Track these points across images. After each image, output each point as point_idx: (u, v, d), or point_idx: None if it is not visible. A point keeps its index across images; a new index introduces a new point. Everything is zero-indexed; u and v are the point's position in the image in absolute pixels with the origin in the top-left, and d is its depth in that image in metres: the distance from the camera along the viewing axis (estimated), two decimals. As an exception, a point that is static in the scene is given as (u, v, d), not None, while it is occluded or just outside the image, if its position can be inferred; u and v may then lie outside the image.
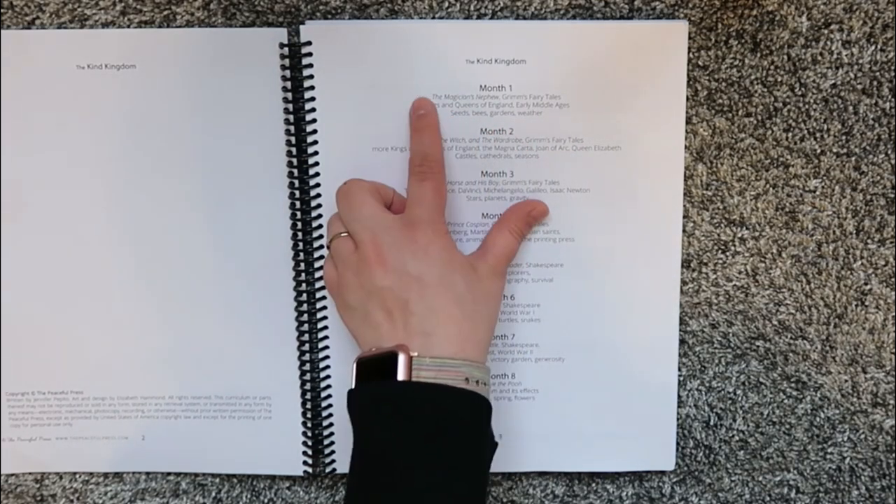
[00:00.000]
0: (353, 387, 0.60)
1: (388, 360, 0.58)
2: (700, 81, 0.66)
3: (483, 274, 0.64)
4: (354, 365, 0.60)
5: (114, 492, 0.73)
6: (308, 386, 0.70)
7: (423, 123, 0.64)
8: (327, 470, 0.71)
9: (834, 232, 0.68)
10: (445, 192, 0.64)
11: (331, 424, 0.71)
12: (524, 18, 0.65)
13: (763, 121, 0.66)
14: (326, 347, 0.69)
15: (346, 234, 0.64)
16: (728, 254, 0.68)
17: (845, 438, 0.71)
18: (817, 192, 0.67)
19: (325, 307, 0.69)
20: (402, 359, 0.58)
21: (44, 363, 0.70)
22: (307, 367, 0.70)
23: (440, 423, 0.58)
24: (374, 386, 0.59)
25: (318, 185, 0.67)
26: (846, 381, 0.70)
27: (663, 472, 0.72)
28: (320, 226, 0.67)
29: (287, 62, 0.65)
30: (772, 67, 0.66)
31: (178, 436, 0.71)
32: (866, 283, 0.68)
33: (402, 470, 0.56)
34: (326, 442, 0.71)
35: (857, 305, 0.69)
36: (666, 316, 0.69)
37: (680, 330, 0.69)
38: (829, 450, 0.71)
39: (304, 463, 0.71)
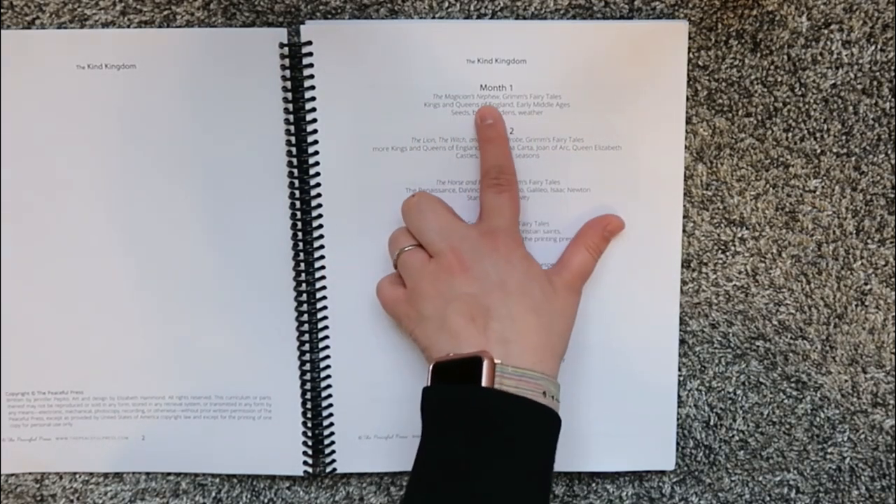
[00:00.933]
0: (430, 386, 0.59)
1: (469, 365, 0.58)
2: (700, 81, 0.66)
3: (559, 288, 0.64)
4: (430, 368, 0.60)
5: (114, 492, 0.73)
6: (308, 386, 0.70)
7: (492, 134, 0.64)
8: (327, 470, 0.71)
9: (834, 232, 0.68)
10: (520, 204, 0.65)
11: (331, 424, 0.71)
12: (524, 18, 0.65)
13: (763, 121, 0.66)
14: (326, 347, 0.69)
15: (412, 247, 0.64)
16: (728, 254, 0.68)
17: (845, 438, 0.71)
18: (817, 192, 0.67)
19: (325, 307, 0.69)
20: (486, 364, 0.57)
21: (44, 363, 0.70)
22: (307, 367, 0.70)
23: (519, 436, 0.57)
24: (458, 388, 0.58)
25: (318, 185, 0.67)
26: (846, 381, 0.70)
27: (663, 472, 0.72)
28: (320, 226, 0.67)
29: (287, 62, 0.65)
30: (772, 67, 0.66)
31: (178, 436, 0.71)
32: (866, 283, 0.68)
33: (475, 477, 0.56)
34: (326, 442, 0.71)
35: (857, 305, 0.69)
36: (666, 316, 0.69)
37: (680, 330, 0.69)
38: (829, 450, 0.71)
39: (304, 463, 0.71)
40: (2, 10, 0.65)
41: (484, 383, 0.57)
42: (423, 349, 0.63)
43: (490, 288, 0.60)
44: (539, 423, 0.58)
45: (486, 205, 0.64)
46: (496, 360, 0.57)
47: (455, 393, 0.58)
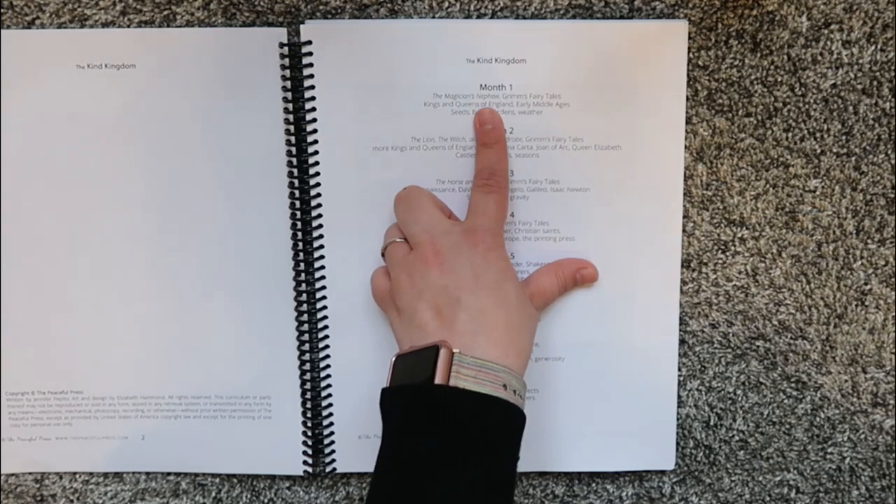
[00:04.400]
0: (387, 385, 0.59)
1: (427, 355, 0.57)
2: (700, 81, 0.66)
3: (526, 295, 0.64)
4: (392, 362, 0.60)
5: (114, 492, 0.73)
6: (308, 386, 0.70)
7: (491, 138, 0.65)
8: (327, 470, 0.71)
9: (834, 232, 0.68)
10: (507, 207, 0.65)
11: (331, 424, 0.71)
12: (524, 18, 0.65)
13: (763, 121, 0.66)
14: (326, 347, 0.69)
15: (400, 240, 0.64)
16: (728, 254, 0.68)
17: (845, 438, 0.71)
18: (817, 192, 0.67)
19: (325, 307, 0.69)
20: (442, 354, 0.56)
21: (44, 363, 0.70)
22: (307, 367, 0.70)
23: (476, 433, 0.56)
24: (410, 388, 0.57)
25: (318, 185, 0.67)
26: (846, 381, 0.70)
27: (663, 472, 0.72)
28: (320, 226, 0.67)
29: (287, 62, 0.65)
30: (772, 67, 0.66)
31: (178, 436, 0.71)
32: (866, 283, 0.68)
33: (432, 478, 0.55)
34: (326, 442, 0.71)
35: (857, 305, 0.69)
36: (666, 316, 0.69)
37: (680, 330, 0.69)
38: (829, 450, 0.71)
39: (304, 463, 0.71)
40: (2, 10, 0.65)
41: (438, 376, 0.56)
42: (397, 342, 0.63)
43: (463, 281, 0.60)
44: (497, 418, 0.57)
45: (473, 203, 0.64)
46: (454, 350, 0.57)
47: (407, 392, 0.58)
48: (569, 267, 0.67)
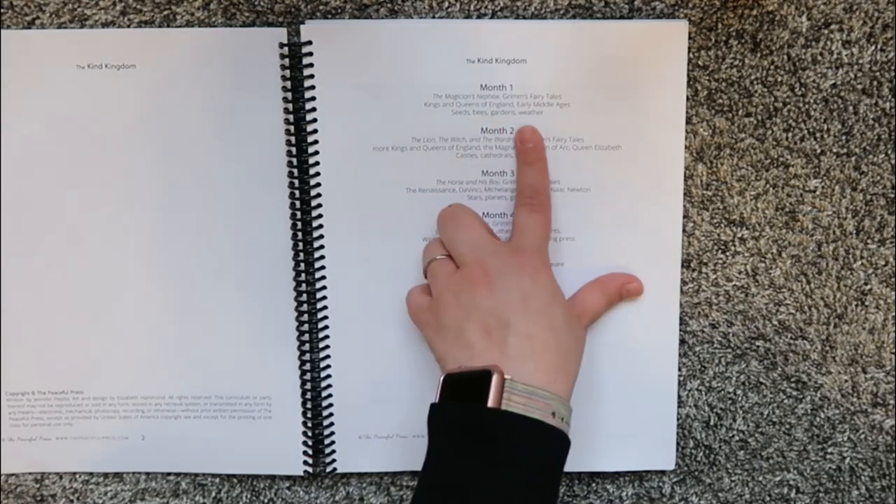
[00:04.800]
0: (437, 402, 0.59)
1: (479, 379, 0.57)
2: (700, 81, 0.66)
3: (573, 316, 0.64)
4: (441, 381, 0.59)
5: (114, 492, 0.73)
6: (308, 386, 0.70)
7: (532, 157, 0.65)
8: (327, 470, 0.71)
9: (834, 232, 0.68)
10: (551, 225, 0.65)
11: (331, 424, 0.71)
12: (524, 18, 0.65)
13: (763, 121, 0.66)
14: (327, 347, 0.69)
15: (443, 257, 0.64)
16: (728, 254, 0.68)
17: (845, 438, 0.71)
18: (817, 192, 0.67)
19: (325, 307, 0.69)
20: (495, 380, 0.56)
21: (44, 363, 0.70)
22: (307, 367, 0.70)
23: (524, 457, 0.56)
24: (462, 407, 0.57)
25: (318, 185, 0.67)
26: (846, 381, 0.70)
27: (663, 472, 0.72)
28: (321, 226, 0.67)
29: (287, 62, 0.65)
30: (772, 67, 0.66)
31: (178, 436, 0.71)
32: (866, 283, 0.68)
33: (478, 498, 0.55)
34: (326, 442, 0.71)
35: (857, 305, 0.69)
36: (666, 316, 0.69)
37: (680, 330, 0.69)
38: (829, 450, 0.71)
39: (304, 463, 0.71)
40: (2, 10, 0.65)
41: (491, 400, 0.56)
42: (438, 359, 0.63)
43: (512, 303, 0.60)
44: (545, 445, 0.57)
45: (517, 223, 0.64)
46: (506, 376, 0.56)
47: (460, 411, 0.58)
48: (614, 282, 0.67)
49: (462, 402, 0.57)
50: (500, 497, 0.55)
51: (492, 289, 0.60)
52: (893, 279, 0.68)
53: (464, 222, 0.65)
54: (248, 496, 0.73)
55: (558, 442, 0.58)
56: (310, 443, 0.71)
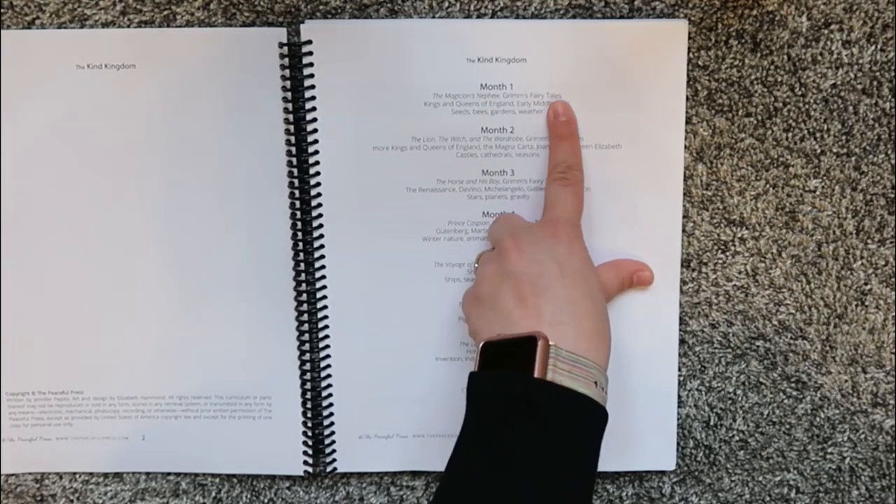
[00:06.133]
0: (478, 371, 0.57)
1: (520, 346, 0.55)
2: (700, 81, 0.66)
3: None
4: (479, 348, 0.58)
5: (114, 492, 0.73)
6: (308, 386, 0.70)
7: (565, 131, 0.65)
8: (327, 470, 0.71)
9: (834, 232, 0.68)
10: (583, 200, 0.65)
11: (331, 424, 0.71)
12: (524, 18, 0.65)
13: (763, 121, 0.66)
14: (327, 347, 0.69)
15: (488, 250, 0.65)
16: (728, 254, 0.68)
17: (845, 438, 0.71)
18: (817, 192, 0.67)
19: (325, 307, 0.69)
20: (541, 346, 0.54)
21: (44, 363, 0.70)
22: (307, 367, 0.70)
23: (568, 432, 0.55)
24: (509, 377, 0.56)
25: (318, 184, 0.67)
26: (846, 381, 0.70)
27: (663, 472, 0.72)
28: (321, 226, 0.67)
29: (287, 62, 0.65)
30: (772, 67, 0.66)
31: (178, 436, 0.71)
32: (866, 283, 0.68)
33: (521, 470, 0.54)
34: (326, 442, 0.71)
35: (857, 305, 0.69)
36: (666, 316, 0.69)
37: (680, 330, 0.69)
38: (829, 450, 0.71)
39: (305, 463, 0.71)
40: (2, 10, 0.65)
41: (537, 367, 0.54)
42: (473, 333, 0.62)
43: (546, 270, 0.59)
44: (588, 420, 0.56)
45: (550, 197, 0.65)
46: (550, 342, 0.55)
47: (505, 382, 0.56)
48: (627, 267, 0.67)
49: (506, 372, 0.56)
50: (543, 470, 0.54)
51: (523, 255, 0.60)
52: (893, 279, 0.68)
53: (504, 217, 0.66)
54: (248, 496, 0.73)
55: (600, 417, 0.57)
56: (310, 443, 0.71)
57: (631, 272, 0.67)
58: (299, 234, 0.68)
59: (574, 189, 0.64)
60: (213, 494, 0.73)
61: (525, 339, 0.55)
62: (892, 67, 0.65)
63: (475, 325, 0.61)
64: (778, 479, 0.72)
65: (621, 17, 0.65)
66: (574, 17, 0.65)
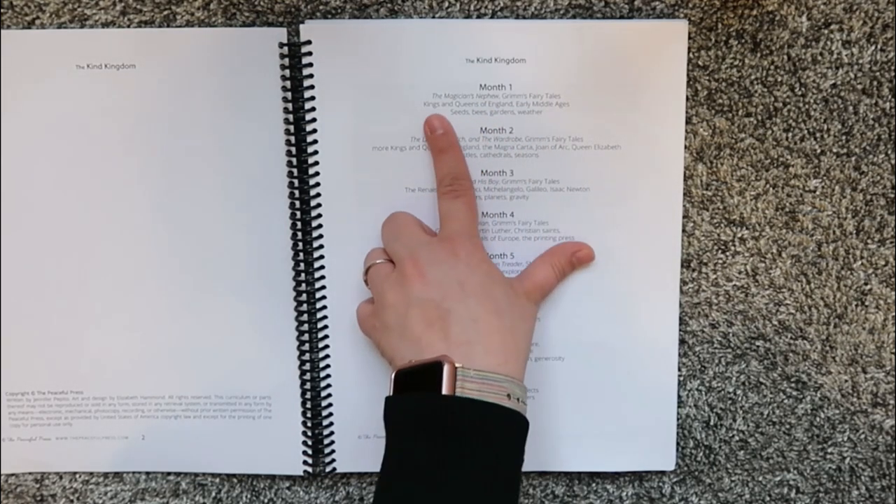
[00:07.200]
0: (391, 395, 0.59)
1: (430, 371, 0.57)
2: (700, 81, 0.66)
3: (520, 294, 0.64)
4: (392, 377, 0.59)
5: (114, 492, 0.73)
6: (308, 386, 0.70)
7: (443, 143, 0.65)
8: (327, 470, 0.71)
9: (834, 232, 0.68)
10: (477, 208, 0.65)
11: (331, 424, 0.71)
12: (524, 18, 0.65)
13: (763, 121, 0.66)
14: (326, 347, 0.69)
15: (382, 261, 0.64)
16: (728, 254, 0.68)
17: (845, 438, 0.71)
18: (817, 192, 0.67)
19: (325, 307, 0.69)
20: (446, 369, 0.56)
21: (44, 363, 0.70)
22: (307, 367, 0.70)
23: (483, 441, 0.56)
24: (417, 398, 0.58)
25: (318, 184, 0.67)
26: (846, 381, 0.70)
27: (663, 472, 0.72)
28: (320, 226, 0.67)
29: (287, 62, 0.65)
30: (772, 67, 0.66)
31: (178, 436, 0.71)
32: (866, 283, 0.68)
33: (441, 485, 0.55)
34: (326, 442, 0.71)
35: (857, 305, 0.69)
36: (666, 316, 0.69)
37: (680, 330, 0.69)
38: (829, 450, 0.71)
39: (304, 463, 0.71)
40: (2, 10, 0.66)
41: (445, 389, 0.56)
42: (388, 360, 0.63)
43: (449, 292, 0.60)
44: (503, 427, 0.57)
45: (443, 211, 0.64)
46: (457, 364, 0.57)
47: (415, 402, 0.58)
48: (563, 253, 0.67)
49: (416, 394, 0.58)
50: (464, 482, 0.55)
51: (426, 280, 0.60)
52: (893, 279, 0.68)
53: (399, 224, 0.65)
54: (248, 496, 0.73)
55: (516, 423, 0.58)
56: (310, 443, 0.71)
57: (567, 257, 0.67)
58: (299, 234, 0.68)
59: (465, 200, 0.64)
60: (213, 494, 0.73)
61: (432, 365, 0.57)
62: (892, 67, 0.65)
63: (387, 352, 0.63)
64: (778, 479, 0.72)
65: (621, 17, 0.65)
66: (574, 17, 0.65)
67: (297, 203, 0.68)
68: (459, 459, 0.56)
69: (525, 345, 0.62)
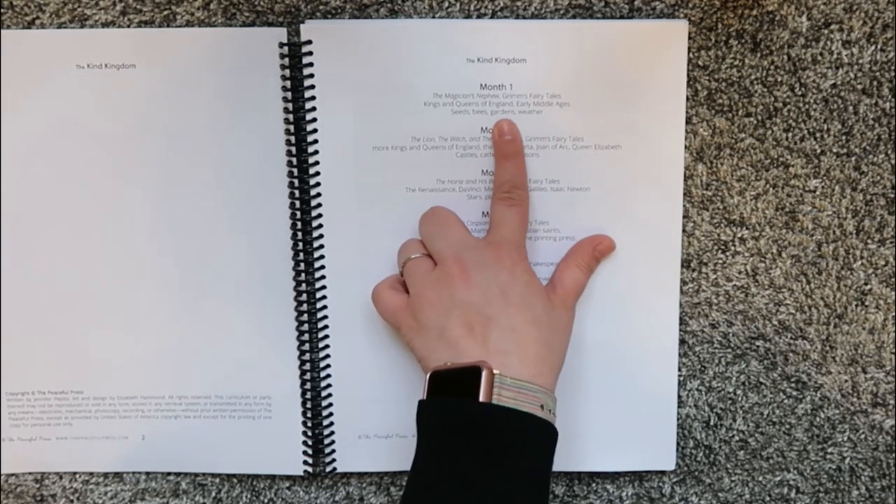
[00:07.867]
0: (426, 398, 0.59)
1: (468, 375, 0.57)
2: (700, 81, 0.66)
3: (556, 304, 0.64)
4: (427, 378, 0.59)
5: (114, 492, 0.73)
6: (308, 386, 0.70)
7: (510, 150, 0.65)
8: (327, 470, 0.71)
9: (834, 232, 0.68)
10: (528, 219, 0.65)
11: (331, 424, 0.71)
12: (524, 18, 0.65)
13: (763, 121, 0.66)
14: (327, 347, 0.69)
15: (420, 255, 0.64)
16: (728, 254, 0.68)
17: (845, 438, 0.71)
18: (817, 192, 0.67)
19: (325, 307, 0.69)
20: (485, 375, 0.56)
21: (44, 363, 0.70)
22: (307, 367, 0.70)
23: (519, 450, 0.57)
24: (455, 402, 0.58)
25: (318, 185, 0.67)
26: (846, 381, 0.70)
27: (663, 472, 0.72)
28: (320, 226, 0.67)
29: (287, 62, 0.65)
30: (772, 67, 0.66)
31: (178, 436, 0.71)
32: (866, 283, 0.68)
33: (477, 492, 0.56)
34: (326, 442, 0.71)
35: (857, 305, 0.69)
36: (666, 316, 0.69)
37: (680, 330, 0.69)
38: (829, 450, 0.71)
39: (304, 463, 0.71)
40: (2, 10, 0.65)
41: (482, 395, 0.56)
42: (420, 359, 0.62)
43: (491, 298, 0.60)
44: (537, 437, 0.58)
45: (495, 217, 0.64)
46: (495, 371, 0.57)
47: (453, 406, 0.58)
48: (584, 250, 0.67)
49: (453, 398, 0.58)
50: (496, 490, 0.56)
51: (470, 284, 0.61)
52: (893, 279, 0.68)
53: (444, 221, 0.65)
54: (248, 496, 0.73)
55: (548, 433, 0.58)
56: (310, 443, 0.71)
57: (590, 253, 0.67)
58: (299, 234, 0.68)
59: (519, 209, 0.64)
60: (213, 494, 0.73)
61: (471, 369, 0.57)
62: (892, 67, 0.65)
63: (420, 351, 0.62)
64: (778, 479, 0.72)
65: (621, 17, 0.65)
66: (574, 17, 0.65)
67: (298, 203, 0.68)
68: (496, 467, 0.56)
69: (559, 357, 0.62)
